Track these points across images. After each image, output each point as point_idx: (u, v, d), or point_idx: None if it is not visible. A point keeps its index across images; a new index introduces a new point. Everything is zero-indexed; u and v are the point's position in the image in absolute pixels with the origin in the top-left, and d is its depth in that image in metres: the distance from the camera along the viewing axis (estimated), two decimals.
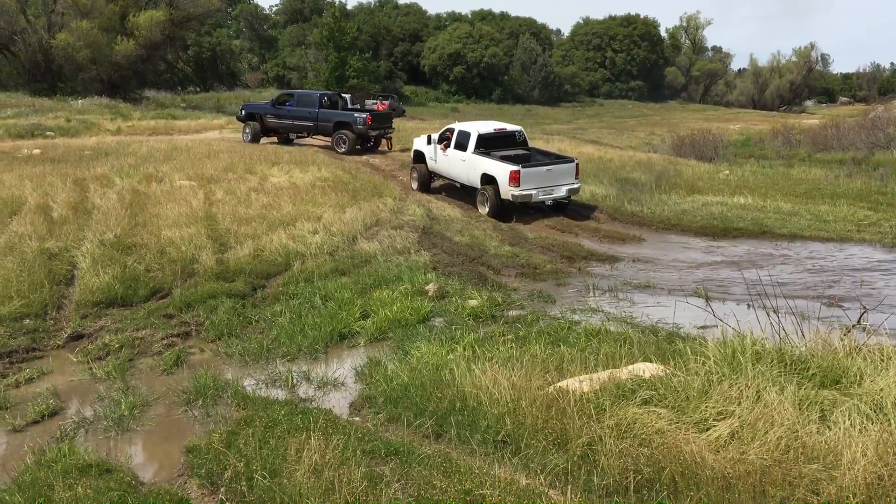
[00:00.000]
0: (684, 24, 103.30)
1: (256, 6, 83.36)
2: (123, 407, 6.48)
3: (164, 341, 8.23)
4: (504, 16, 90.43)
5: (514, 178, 14.63)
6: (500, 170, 15.00)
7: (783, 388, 5.28)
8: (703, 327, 7.97)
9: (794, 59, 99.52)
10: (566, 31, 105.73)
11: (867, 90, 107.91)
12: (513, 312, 9.17)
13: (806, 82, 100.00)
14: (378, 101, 44.19)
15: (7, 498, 4.85)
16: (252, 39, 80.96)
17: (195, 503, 5.04)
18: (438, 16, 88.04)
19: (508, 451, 5.23)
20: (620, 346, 6.95)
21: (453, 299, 9.46)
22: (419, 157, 18.05)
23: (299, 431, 5.48)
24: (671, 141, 35.78)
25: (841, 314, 7.87)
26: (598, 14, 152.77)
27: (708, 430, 4.99)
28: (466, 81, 75.36)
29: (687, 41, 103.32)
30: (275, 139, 25.55)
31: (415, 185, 17.96)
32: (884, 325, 6.76)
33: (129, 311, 9.08)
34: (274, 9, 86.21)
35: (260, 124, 25.09)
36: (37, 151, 20.73)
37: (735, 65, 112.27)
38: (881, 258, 12.54)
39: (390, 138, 24.47)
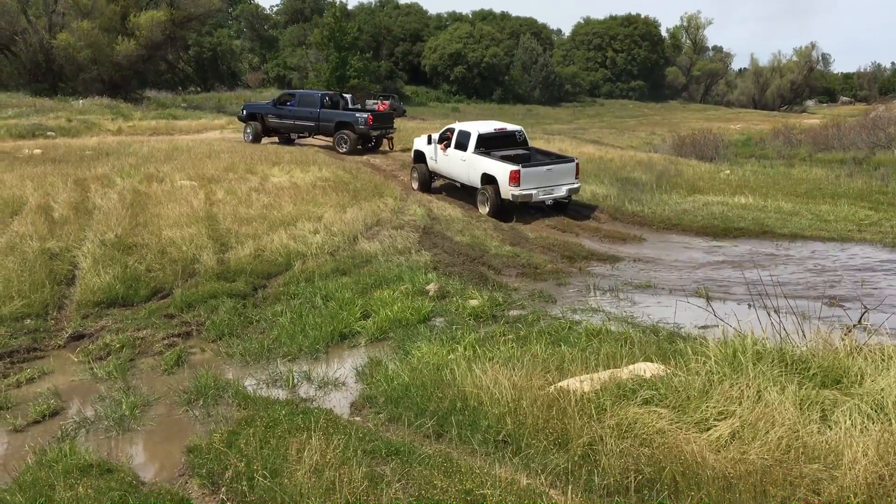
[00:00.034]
0: (685, 23, 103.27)
1: (257, 6, 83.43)
2: (124, 407, 6.49)
3: (165, 341, 8.23)
4: (505, 16, 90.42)
5: (515, 178, 14.63)
6: (501, 169, 15.00)
7: (784, 387, 5.28)
8: (704, 327, 7.96)
9: (794, 58, 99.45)
10: (567, 31, 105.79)
11: (868, 90, 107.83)
12: (513, 312, 9.17)
13: (807, 82, 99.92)
14: (379, 101, 44.17)
15: (8, 498, 4.86)
16: (253, 39, 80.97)
17: (196, 503, 5.04)
18: (439, 16, 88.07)
19: (509, 450, 5.23)
20: (621, 345, 6.94)
21: (454, 299, 9.46)
22: (419, 157, 18.05)
23: (300, 431, 5.49)
24: (672, 141, 35.78)
25: (842, 314, 7.88)
26: (599, 14, 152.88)
27: (709, 429, 4.99)
28: (467, 81, 75.33)
29: (688, 41, 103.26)
30: (276, 139, 25.56)
31: (415, 185, 17.97)
32: (885, 324, 6.75)
33: (130, 310, 9.08)
34: (275, 9, 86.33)
35: (261, 124, 25.08)
36: (38, 151, 20.74)
37: (736, 64, 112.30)
38: (882, 258, 12.53)
39: (392, 138, 24.47)
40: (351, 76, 57.68)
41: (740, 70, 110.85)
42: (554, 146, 23.87)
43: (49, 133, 26.83)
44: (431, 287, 9.77)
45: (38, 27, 41.99)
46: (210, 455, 5.39)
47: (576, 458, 4.93)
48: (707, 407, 5.18)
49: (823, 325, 6.69)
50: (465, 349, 7.29)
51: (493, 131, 16.59)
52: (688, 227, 15.17)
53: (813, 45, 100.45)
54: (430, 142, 17.40)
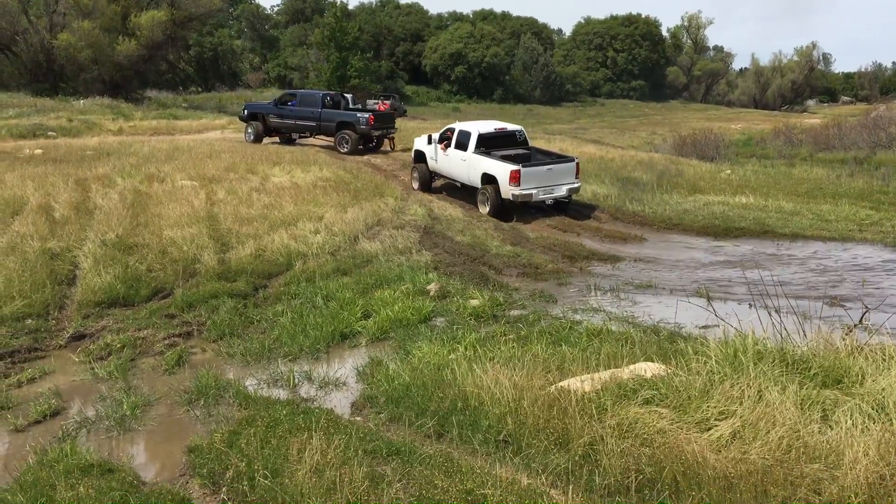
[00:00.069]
0: (686, 23, 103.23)
1: (258, 6, 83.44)
2: (125, 407, 6.49)
3: (166, 341, 8.24)
4: (505, 15, 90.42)
5: (515, 178, 14.64)
6: (501, 169, 15.00)
7: (785, 387, 5.28)
8: (705, 327, 7.96)
9: (795, 58, 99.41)
10: (567, 31, 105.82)
11: (869, 89, 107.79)
12: (514, 312, 9.17)
13: (807, 82, 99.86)
14: (379, 101, 44.20)
15: (9, 498, 4.86)
16: (254, 39, 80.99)
17: (197, 503, 5.04)
18: (440, 15, 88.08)
19: (510, 450, 5.23)
20: (622, 345, 6.95)
21: (455, 299, 9.46)
22: (420, 156, 18.06)
23: (301, 431, 5.49)
24: (673, 140, 35.77)
25: (843, 314, 7.87)
26: (600, 14, 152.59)
27: (709, 429, 4.98)
28: (468, 81, 75.33)
29: (688, 41, 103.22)
30: (276, 139, 25.56)
31: (416, 185, 17.97)
32: (886, 324, 6.74)
33: (130, 310, 9.09)
34: (275, 9, 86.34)
35: (262, 124, 25.09)
36: (39, 151, 20.75)
37: (736, 64, 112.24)
38: (883, 257, 12.52)
39: (393, 138, 24.47)
40: (352, 76, 57.70)
41: (741, 70, 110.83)
42: (555, 146, 23.87)
43: (50, 133, 26.85)
44: (432, 287, 9.77)
45: (38, 27, 42.02)
46: (211, 455, 5.39)
47: (577, 458, 4.93)
48: (708, 407, 5.18)
49: (824, 325, 6.69)
50: (465, 349, 7.29)
51: (493, 131, 16.60)
52: (689, 227, 15.16)
53: (814, 45, 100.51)
54: (430, 142, 17.41)
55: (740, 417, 4.98)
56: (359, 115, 23.52)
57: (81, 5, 40.70)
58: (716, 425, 5.01)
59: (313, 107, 23.91)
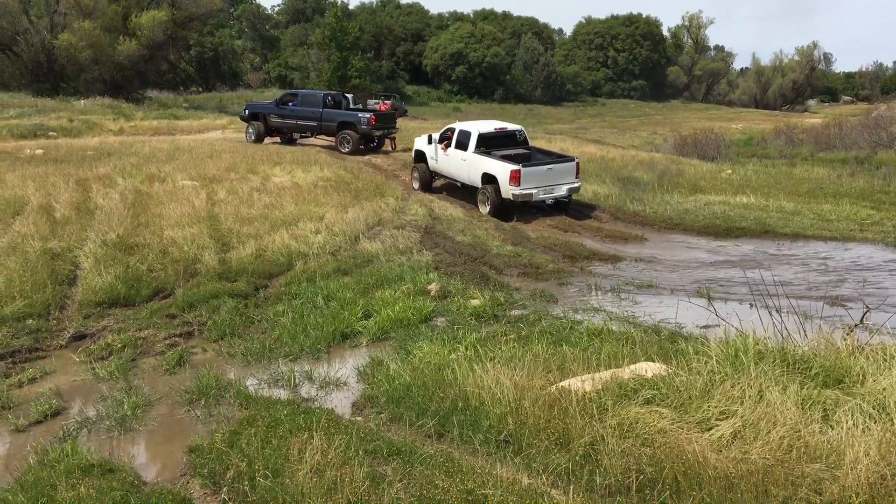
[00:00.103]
0: (686, 23, 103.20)
1: (258, 6, 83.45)
2: (126, 407, 6.49)
3: (167, 341, 8.24)
4: (506, 15, 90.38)
5: (515, 178, 14.64)
6: (501, 169, 15.00)
7: (786, 387, 5.27)
8: (706, 327, 7.96)
9: (796, 58, 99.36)
10: (568, 31, 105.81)
11: (870, 89, 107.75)
12: (515, 312, 9.17)
13: (808, 81, 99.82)
14: (380, 101, 44.21)
15: (10, 498, 4.86)
16: (254, 39, 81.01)
17: (198, 503, 5.05)
18: (440, 15, 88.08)
19: (510, 450, 5.23)
20: (623, 345, 6.94)
21: (455, 299, 9.46)
22: (420, 156, 18.06)
23: (301, 431, 5.49)
24: (673, 140, 35.75)
25: (844, 313, 7.87)
26: (601, 13, 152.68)
27: (710, 429, 4.98)
28: (468, 81, 75.32)
29: (689, 40, 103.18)
30: (277, 139, 25.57)
31: (416, 185, 17.98)
32: (886, 324, 6.74)
33: (131, 310, 9.10)
34: (276, 9, 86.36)
35: (264, 124, 25.09)
36: (39, 152, 20.76)
37: (737, 64, 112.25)
38: (884, 257, 12.52)
39: (394, 138, 24.46)
40: (352, 76, 57.69)
41: (742, 69, 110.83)
42: (555, 146, 23.87)
43: (51, 133, 26.87)
44: (433, 287, 9.77)
45: (39, 27, 42.04)
46: (212, 455, 5.39)
47: (577, 458, 4.93)
48: (709, 407, 5.18)
49: (825, 325, 6.68)
50: (466, 349, 7.29)
51: (493, 131, 16.60)
52: (689, 227, 15.16)
53: (815, 45, 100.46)
54: (430, 141, 17.41)
55: (741, 417, 4.98)
56: (360, 115, 23.51)
57: (82, 5, 40.72)
58: (717, 425, 5.00)
59: (315, 107, 23.91)
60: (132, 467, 5.48)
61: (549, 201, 15.58)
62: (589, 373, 6.12)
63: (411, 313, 8.76)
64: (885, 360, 5.58)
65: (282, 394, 6.89)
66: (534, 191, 14.86)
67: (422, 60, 77.21)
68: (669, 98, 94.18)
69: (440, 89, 75.53)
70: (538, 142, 22.09)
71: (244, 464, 5.10)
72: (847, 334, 6.28)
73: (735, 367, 5.66)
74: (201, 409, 6.53)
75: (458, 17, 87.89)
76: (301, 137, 25.36)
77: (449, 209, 15.66)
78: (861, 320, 6.88)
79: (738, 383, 5.34)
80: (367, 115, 23.29)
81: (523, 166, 14.81)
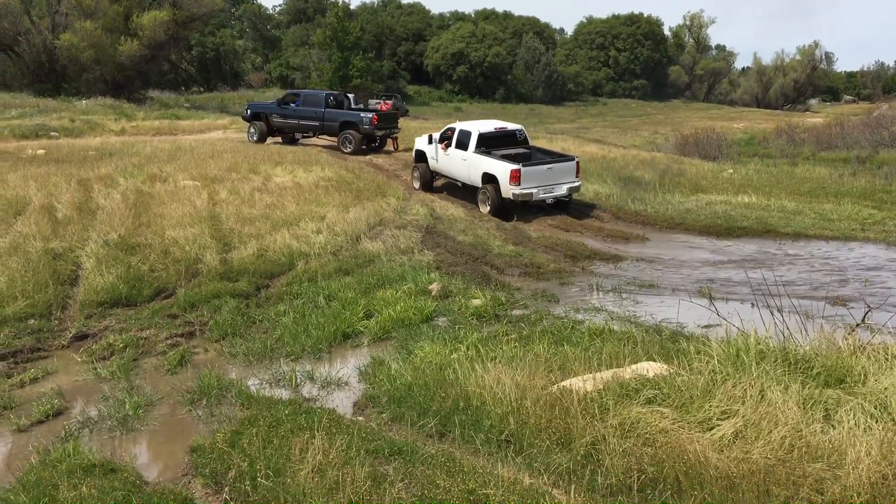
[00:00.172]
0: (688, 22, 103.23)
1: (260, 6, 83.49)
2: (128, 407, 6.50)
3: (169, 341, 8.25)
4: (507, 15, 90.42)
5: (515, 177, 14.64)
6: (501, 168, 15.01)
7: (787, 387, 5.27)
8: (707, 326, 7.96)
9: (798, 57, 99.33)
10: (569, 31, 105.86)
11: (871, 88, 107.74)
12: (516, 312, 9.16)
13: (810, 81, 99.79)
14: (381, 101, 44.24)
15: (12, 497, 4.87)
16: (255, 39, 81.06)
17: (199, 503, 5.05)
18: (441, 15, 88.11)
19: (512, 450, 5.22)
20: (624, 345, 6.93)
21: (457, 299, 9.46)
22: (420, 156, 18.07)
23: (303, 431, 5.49)
24: (675, 140, 35.74)
25: (845, 313, 7.87)
26: (602, 13, 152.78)
27: (712, 429, 4.98)
28: (470, 81, 75.34)
29: (690, 40, 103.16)
30: (279, 139, 25.58)
31: (416, 185, 17.99)
32: (888, 323, 6.73)
33: (133, 310, 9.10)
34: (277, 9, 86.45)
35: (265, 124, 25.10)
36: (41, 152, 20.79)
37: (739, 63, 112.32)
38: (886, 256, 12.50)
39: (396, 138, 24.47)
40: (354, 76, 57.73)
41: (743, 69, 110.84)
42: (557, 145, 23.86)
43: (52, 133, 26.90)
44: (434, 287, 9.77)
45: (41, 27, 42.09)
46: (213, 455, 5.39)
47: (579, 458, 4.92)
48: (710, 406, 5.17)
49: (827, 325, 6.67)
50: (467, 349, 7.29)
51: (493, 130, 16.60)
52: (691, 227, 15.15)
53: (816, 44, 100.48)
54: (430, 141, 17.42)
55: (742, 417, 4.98)
56: (363, 115, 23.51)
57: (84, 6, 40.77)
58: (718, 425, 5.00)
59: (317, 107, 23.90)
60: (134, 467, 5.48)
61: (550, 201, 15.59)
62: (590, 372, 6.12)
63: (413, 313, 8.76)
64: (887, 359, 5.58)
65: (283, 394, 6.89)
66: (534, 190, 14.86)
67: (423, 60, 77.24)
68: (671, 97, 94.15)
69: (441, 89, 75.56)
70: (539, 141, 22.09)
71: (246, 464, 5.10)
72: (849, 334, 6.27)
73: (736, 367, 5.65)
74: (203, 409, 6.54)
75: (459, 17, 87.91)
76: (303, 137, 25.36)
77: (450, 209, 15.66)
78: (863, 320, 6.88)
79: (740, 383, 5.33)
80: (370, 115, 23.30)
81: (523, 166, 14.81)
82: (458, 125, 17.09)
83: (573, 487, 4.65)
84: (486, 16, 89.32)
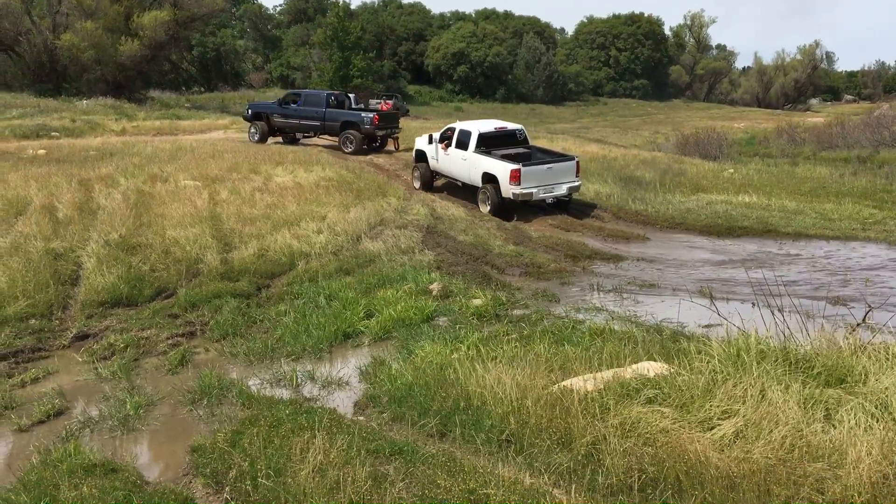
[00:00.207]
0: (688, 22, 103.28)
1: (260, 6, 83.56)
2: (129, 406, 6.50)
3: (169, 341, 8.25)
4: (508, 15, 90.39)
5: (515, 177, 14.65)
6: (501, 168, 15.01)
7: (788, 386, 5.27)
8: (708, 326, 7.95)
9: (798, 57, 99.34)
10: (570, 30, 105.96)
11: (872, 88, 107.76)
12: (517, 312, 9.16)
13: (811, 80, 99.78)
14: (382, 101, 44.26)
15: (13, 497, 4.87)
16: (256, 39, 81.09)
17: (200, 502, 5.05)
18: (442, 15, 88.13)
19: (512, 450, 5.22)
20: (625, 345, 6.93)
21: (457, 298, 9.46)
22: (421, 156, 18.08)
23: (304, 431, 5.49)
24: (675, 139, 35.74)
25: (846, 313, 7.86)
26: (602, 13, 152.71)
27: (712, 429, 4.98)
28: (470, 81, 75.35)
29: (691, 39, 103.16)
30: (280, 139, 25.58)
31: (417, 185, 17.99)
32: (889, 323, 6.72)
33: (134, 310, 9.11)
34: (278, 9, 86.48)
35: (266, 124, 25.10)
36: (42, 152, 20.79)
37: (739, 63, 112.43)
38: (886, 256, 12.50)
39: (397, 138, 24.46)
40: (354, 76, 57.77)
41: (744, 69, 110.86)
42: (557, 145, 23.86)
43: (53, 133, 26.91)
44: (435, 286, 9.77)
45: (41, 28, 42.12)
46: (214, 455, 5.40)
47: (579, 458, 4.92)
48: (711, 406, 5.17)
49: (827, 324, 6.68)
50: (468, 348, 7.29)
51: (493, 130, 16.60)
52: (691, 226, 15.15)
53: (817, 44, 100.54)
54: (431, 141, 17.43)
55: (743, 417, 4.97)
56: (363, 114, 23.52)
57: (84, 6, 40.79)
58: (719, 424, 5.00)
59: (318, 106, 23.90)
60: (135, 467, 5.49)
61: (550, 200, 15.59)
62: (591, 372, 6.12)
63: (413, 313, 8.76)
64: (888, 359, 5.57)
65: (284, 393, 6.89)
66: (534, 190, 14.86)
67: (423, 60, 77.27)
68: (671, 97, 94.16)
69: (442, 89, 75.59)
70: (540, 141, 22.09)
71: (246, 463, 5.10)
72: (849, 333, 6.27)
73: (737, 367, 5.65)
74: (203, 409, 6.54)
75: (459, 17, 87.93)
76: (304, 137, 25.36)
77: (450, 209, 15.66)
78: (863, 319, 6.87)
79: (741, 383, 5.33)
80: (371, 115, 23.30)
81: (523, 165, 14.81)
82: (459, 125, 17.10)
83: (574, 487, 4.65)
84: (487, 16, 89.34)
